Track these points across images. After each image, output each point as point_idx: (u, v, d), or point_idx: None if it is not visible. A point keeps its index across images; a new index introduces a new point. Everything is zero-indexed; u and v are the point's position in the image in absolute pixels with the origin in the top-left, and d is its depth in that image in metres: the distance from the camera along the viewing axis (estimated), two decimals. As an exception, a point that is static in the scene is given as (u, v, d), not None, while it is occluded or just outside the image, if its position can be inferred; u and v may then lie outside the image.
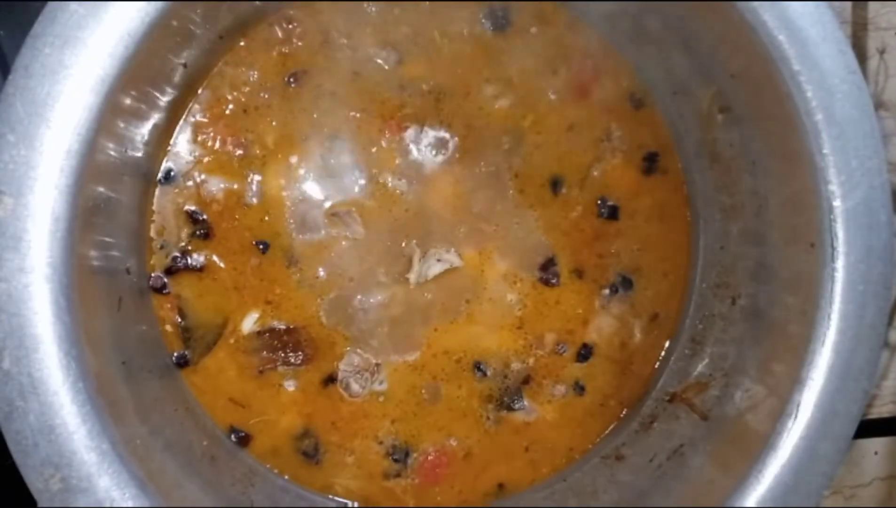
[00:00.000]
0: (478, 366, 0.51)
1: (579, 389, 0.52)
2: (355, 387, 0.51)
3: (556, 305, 0.52)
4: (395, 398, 0.51)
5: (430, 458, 0.51)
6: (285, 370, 0.50)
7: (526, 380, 0.52)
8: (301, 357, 0.50)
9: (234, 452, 0.50)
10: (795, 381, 0.43)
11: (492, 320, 0.51)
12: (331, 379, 0.50)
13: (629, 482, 0.50)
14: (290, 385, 0.50)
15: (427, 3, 0.50)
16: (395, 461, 0.51)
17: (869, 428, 0.58)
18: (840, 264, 0.42)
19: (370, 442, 0.51)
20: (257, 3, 0.48)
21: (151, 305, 0.49)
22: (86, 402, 0.38)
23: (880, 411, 0.58)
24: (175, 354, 0.49)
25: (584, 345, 0.52)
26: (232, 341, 0.50)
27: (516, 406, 0.52)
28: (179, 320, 0.49)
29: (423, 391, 0.51)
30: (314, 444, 0.51)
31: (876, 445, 0.58)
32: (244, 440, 0.50)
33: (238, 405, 0.50)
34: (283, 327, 0.50)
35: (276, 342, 0.50)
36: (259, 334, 0.50)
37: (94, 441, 0.38)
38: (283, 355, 0.50)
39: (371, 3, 0.50)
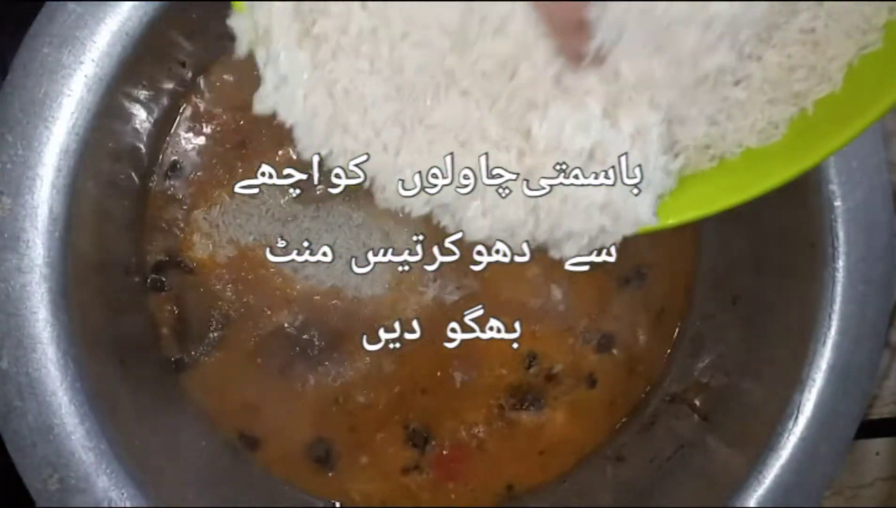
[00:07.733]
0: (503, 363, 0.50)
1: (591, 383, 0.51)
2: (366, 386, 0.50)
3: (576, 298, 0.51)
4: (412, 393, 0.50)
5: (445, 452, 0.51)
6: (291, 371, 0.50)
7: (549, 378, 0.51)
8: (309, 357, 0.49)
9: (234, 453, 0.49)
10: (796, 381, 0.42)
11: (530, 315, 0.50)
12: (340, 377, 0.50)
13: (629, 482, 0.50)
14: (296, 385, 0.50)
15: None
16: (414, 445, 0.50)
17: (870, 429, 0.57)
18: (841, 264, 0.42)
19: (385, 436, 0.50)
20: (256, 2, 0.48)
21: (150, 304, 0.49)
22: (84, 402, 0.38)
23: (881, 411, 0.57)
24: (174, 354, 0.49)
25: (604, 335, 0.51)
26: (232, 341, 0.50)
27: (532, 405, 0.51)
28: (178, 320, 0.49)
29: (440, 384, 0.50)
30: (325, 448, 0.50)
31: (877, 445, 0.57)
32: (250, 444, 0.49)
33: (238, 407, 0.50)
34: (287, 327, 0.50)
35: (281, 342, 0.49)
36: (261, 334, 0.50)
37: (92, 441, 0.38)
38: (290, 354, 0.49)
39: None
